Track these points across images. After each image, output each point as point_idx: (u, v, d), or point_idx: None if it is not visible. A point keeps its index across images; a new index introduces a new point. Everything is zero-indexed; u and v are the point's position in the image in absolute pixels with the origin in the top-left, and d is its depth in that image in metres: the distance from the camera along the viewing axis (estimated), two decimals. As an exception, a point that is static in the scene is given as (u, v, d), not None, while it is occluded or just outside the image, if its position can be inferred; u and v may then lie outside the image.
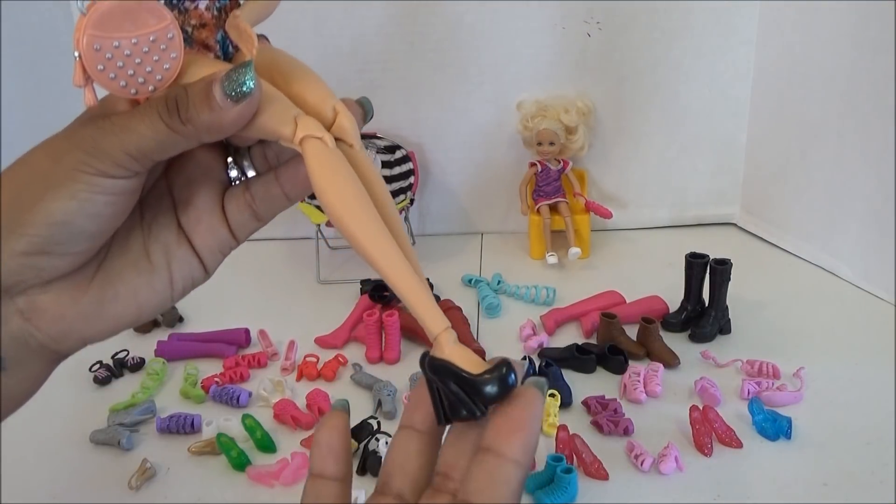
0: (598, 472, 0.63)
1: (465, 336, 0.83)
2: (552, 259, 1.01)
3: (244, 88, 0.32)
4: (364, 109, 0.38)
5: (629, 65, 1.04)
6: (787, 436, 0.66)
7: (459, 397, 0.32)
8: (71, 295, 0.35)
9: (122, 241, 0.37)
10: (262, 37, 0.37)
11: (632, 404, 0.73)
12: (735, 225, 1.12)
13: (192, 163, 0.38)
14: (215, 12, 0.35)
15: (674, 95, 1.05)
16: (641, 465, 0.64)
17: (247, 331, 0.86)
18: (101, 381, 0.80)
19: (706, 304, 0.85)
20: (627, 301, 0.90)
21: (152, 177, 0.38)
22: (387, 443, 0.63)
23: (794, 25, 0.96)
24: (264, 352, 0.83)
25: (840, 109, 0.91)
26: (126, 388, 0.79)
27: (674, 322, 0.85)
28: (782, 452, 0.65)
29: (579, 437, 0.66)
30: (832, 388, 0.73)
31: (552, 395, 0.70)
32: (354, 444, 0.66)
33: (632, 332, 0.82)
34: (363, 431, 0.67)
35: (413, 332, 0.85)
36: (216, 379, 0.78)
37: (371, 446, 0.66)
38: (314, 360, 0.81)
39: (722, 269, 0.83)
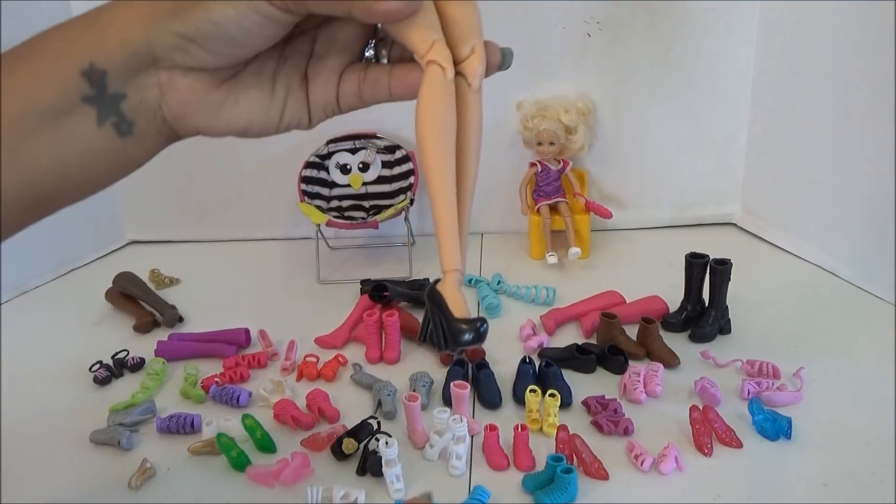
0: (598, 472, 0.63)
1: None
2: (552, 259, 1.01)
3: None
4: (503, 58, 0.41)
5: (629, 65, 1.04)
6: (787, 436, 0.66)
7: (439, 331, 0.37)
8: (203, 87, 0.40)
9: (259, 64, 0.42)
10: None
11: (632, 404, 0.73)
12: (735, 225, 1.12)
13: (341, 30, 0.43)
14: None
15: (674, 95, 1.05)
16: (641, 465, 0.64)
17: (247, 331, 0.86)
18: (101, 381, 0.80)
19: (706, 304, 0.85)
20: (627, 301, 0.90)
21: (307, 25, 0.42)
22: (387, 443, 0.63)
23: (794, 25, 0.96)
24: (264, 352, 0.83)
25: (840, 109, 0.91)
26: (126, 388, 0.79)
27: (674, 322, 0.85)
28: (782, 452, 0.65)
29: (579, 437, 0.66)
30: (832, 388, 0.73)
31: (552, 396, 0.70)
32: (354, 443, 0.66)
33: (632, 332, 0.82)
34: (363, 431, 0.67)
35: (413, 332, 0.85)
36: (216, 379, 0.78)
37: (371, 446, 0.66)
38: (314, 360, 0.81)
39: (722, 269, 0.83)
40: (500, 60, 0.41)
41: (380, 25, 0.42)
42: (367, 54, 0.43)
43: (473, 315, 0.38)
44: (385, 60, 0.43)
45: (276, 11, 0.38)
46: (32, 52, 0.38)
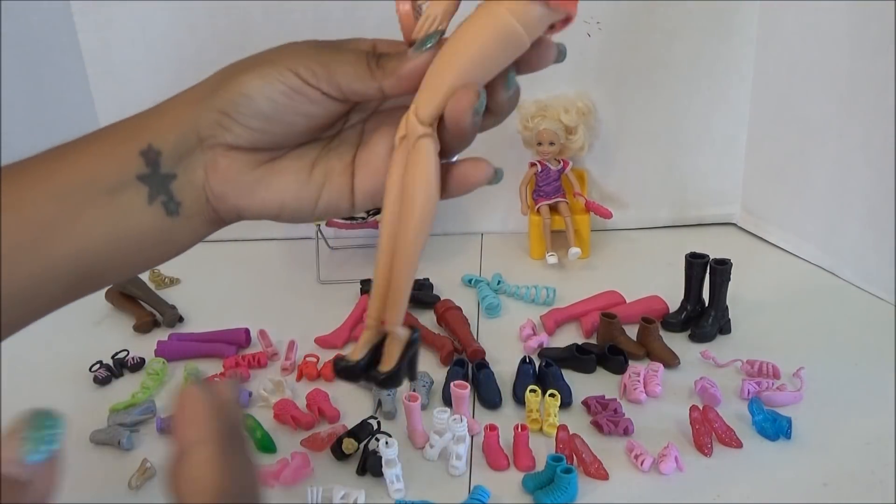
0: (598, 472, 0.63)
1: (466, 336, 0.83)
2: (552, 259, 1.01)
3: (426, 47, 0.40)
4: (475, 98, 0.39)
5: (629, 65, 1.04)
6: (787, 436, 0.66)
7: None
8: (240, 166, 0.42)
9: (299, 151, 0.44)
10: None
11: (632, 404, 0.73)
12: (735, 225, 1.12)
13: (389, 118, 0.44)
14: None
15: (674, 95, 1.05)
16: (641, 465, 0.64)
17: (247, 331, 0.86)
18: (101, 381, 0.80)
19: (706, 304, 0.85)
20: (627, 301, 0.90)
21: (357, 116, 0.45)
22: (387, 443, 0.63)
23: (794, 25, 0.96)
24: (264, 352, 0.83)
25: (840, 109, 0.91)
26: (126, 388, 0.79)
27: (674, 322, 0.85)
28: (782, 452, 0.65)
29: (579, 437, 0.66)
30: (832, 388, 0.73)
31: (552, 396, 0.70)
32: (354, 443, 0.66)
33: (632, 332, 0.82)
34: (363, 431, 0.67)
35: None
36: (216, 379, 0.78)
37: (371, 446, 0.66)
38: (314, 360, 0.81)
39: (722, 269, 0.83)
40: (470, 103, 0.39)
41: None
42: None
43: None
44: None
45: (303, 85, 0.40)
46: (102, 134, 0.42)
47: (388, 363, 0.41)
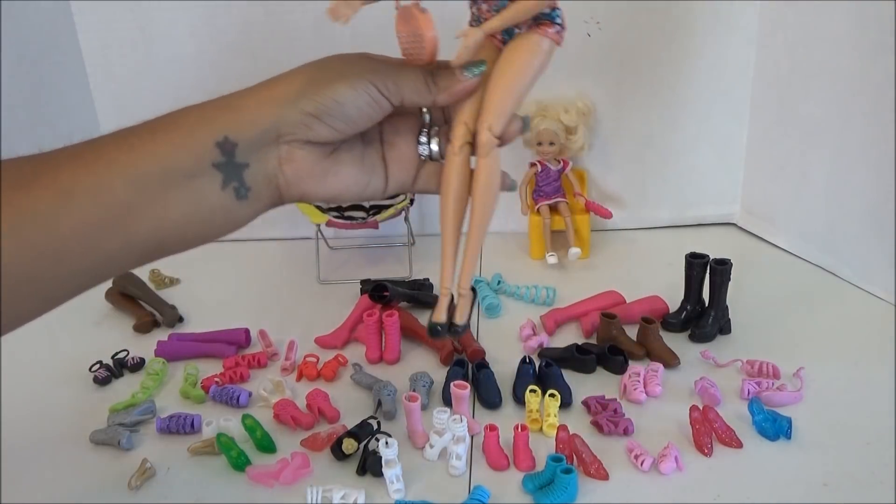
0: (598, 472, 0.63)
1: (466, 336, 0.83)
2: (552, 259, 1.01)
3: (475, 73, 0.49)
4: (522, 124, 0.51)
5: (629, 65, 1.04)
6: (787, 436, 0.66)
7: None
8: (314, 158, 0.48)
9: (349, 144, 0.51)
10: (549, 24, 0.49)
11: (632, 404, 0.73)
12: (735, 225, 1.12)
13: (402, 123, 0.53)
14: (494, 12, 0.49)
15: (674, 95, 1.05)
16: (641, 465, 0.64)
17: (247, 331, 0.86)
18: (101, 381, 0.80)
19: (706, 304, 0.85)
20: (627, 301, 0.90)
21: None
22: (387, 443, 0.63)
23: (794, 25, 0.96)
24: (264, 352, 0.83)
25: (840, 109, 0.91)
26: (126, 388, 0.79)
27: (674, 322, 0.85)
28: (782, 452, 0.65)
29: (579, 437, 0.66)
30: (832, 388, 0.73)
31: (552, 396, 0.70)
32: (354, 443, 0.66)
33: (632, 332, 0.82)
34: (363, 431, 0.67)
35: (413, 332, 0.85)
36: (216, 379, 0.78)
37: (371, 446, 0.66)
38: (314, 360, 0.81)
39: (722, 269, 0.83)
40: (520, 128, 0.50)
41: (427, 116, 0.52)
42: (421, 154, 0.52)
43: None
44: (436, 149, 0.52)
45: (380, 96, 0.47)
46: (172, 125, 0.45)
47: (461, 316, 0.53)
